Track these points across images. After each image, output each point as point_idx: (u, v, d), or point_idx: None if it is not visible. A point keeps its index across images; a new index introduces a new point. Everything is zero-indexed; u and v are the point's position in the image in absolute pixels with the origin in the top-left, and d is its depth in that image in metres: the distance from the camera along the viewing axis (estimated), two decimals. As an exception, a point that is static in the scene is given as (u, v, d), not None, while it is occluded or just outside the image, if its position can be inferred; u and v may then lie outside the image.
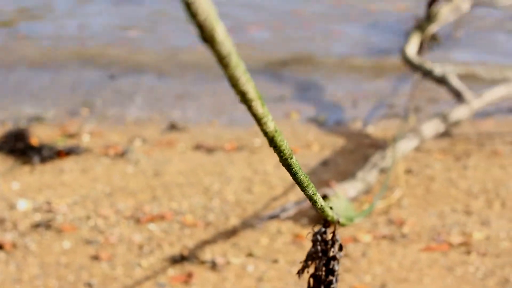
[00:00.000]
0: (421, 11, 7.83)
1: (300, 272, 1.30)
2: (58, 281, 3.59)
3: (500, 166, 4.88)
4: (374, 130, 5.54)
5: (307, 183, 1.21)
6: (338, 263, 1.31)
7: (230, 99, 6.01)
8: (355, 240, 3.95)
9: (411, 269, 3.70)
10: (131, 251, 3.84)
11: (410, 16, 8.06)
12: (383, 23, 8.17)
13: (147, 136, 5.31)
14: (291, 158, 1.07)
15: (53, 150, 4.88)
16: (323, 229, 1.35)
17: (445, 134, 5.27)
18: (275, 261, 3.75)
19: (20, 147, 4.89)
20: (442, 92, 5.98)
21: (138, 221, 4.13)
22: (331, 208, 1.37)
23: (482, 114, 5.74)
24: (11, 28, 7.48)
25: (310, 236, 1.36)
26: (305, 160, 4.91)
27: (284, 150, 1.04)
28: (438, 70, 5.59)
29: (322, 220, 1.36)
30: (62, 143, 5.03)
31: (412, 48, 6.24)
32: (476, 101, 5.26)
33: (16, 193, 4.43)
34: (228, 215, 4.21)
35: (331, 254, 1.30)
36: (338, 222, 1.36)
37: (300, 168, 1.15)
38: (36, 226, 4.05)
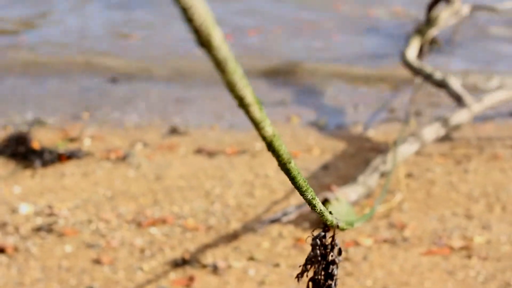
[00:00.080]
0: (417, 14, 7.83)
1: (300, 276, 1.31)
2: (59, 285, 3.60)
3: (501, 169, 4.88)
4: (375, 134, 5.55)
5: (306, 188, 1.21)
6: (337, 267, 1.32)
7: (230, 103, 6.01)
8: (356, 244, 3.96)
9: (412, 273, 3.71)
10: (132, 255, 3.85)
11: (409, 21, 8.07)
12: (381, 28, 8.18)
13: (148, 140, 5.32)
14: (290, 163, 1.07)
15: (55, 154, 4.88)
16: (323, 233, 1.35)
17: (446, 138, 5.27)
18: (277, 265, 3.76)
19: (22, 151, 4.90)
20: (442, 96, 5.99)
21: (139, 225, 4.13)
22: (330, 212, 1.37)
23: (482, 118, 5.75)
24: (12, 35, 7.49)
25: (309, 240, 1.36)
26: (306, 164, 4.92)
27: (282, 154, 1.04)
28: (438, 74, 5.60)
29: (322, 224, 1.37)
30: (63, 147, 5.04)
31: (412, 52, 6.24)
32: (477, 105, 5.26)
33: (17, 197, 4.44)
34: (229, 219, 4.22)
35: (330, 258, 1.31)
36: (338, 226, 1.36)
37: (299, 173, 1.15)
38: (38, 230, 4.06)
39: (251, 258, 3.82)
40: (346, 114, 6.02)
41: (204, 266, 3.74)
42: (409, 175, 4.76)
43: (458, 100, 5.31)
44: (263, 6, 8.58)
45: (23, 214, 4.23)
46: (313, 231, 1.37)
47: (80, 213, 4.25)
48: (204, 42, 0.77)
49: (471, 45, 7.66)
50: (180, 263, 3.76)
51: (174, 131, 5.49)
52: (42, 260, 3.79)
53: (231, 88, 0.85)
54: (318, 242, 1.33)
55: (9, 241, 3.95)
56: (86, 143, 5.23)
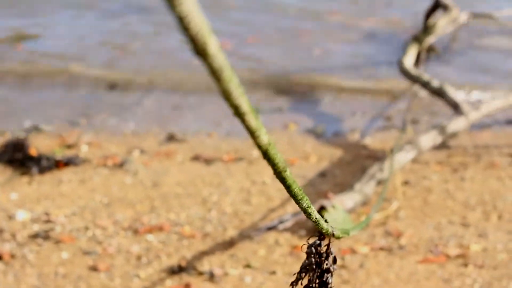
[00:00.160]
0: (413, 24, 7.86)
1: (294, 284, 1.31)
2: (55, 292, 3.60)
3: (497, 178, 4.89)
4: (372, 141, 5.55)
5: (301, 196, 1.21)
6: (331, 275, 1.32)
7: (228, 111, 6.01)
8: (352, 251, 3.96)
9: (409, 280, 3.71)
10: (129, 262, 3.85)
11: (405, 29, 8.09)
12: (377, 37, 8.19)
13: (145, 147, 5.32)
14: (285, 171, 1.08)
15: (52, 160, 4.88)
16: (318, 242, 1.35)
17: (443, 146, 5.28)
18: (273, 273, 3.76)
19: (19, 158, 4.90)
20: (439, 104, 6.00)
21: (136, 232, 4.13)
22: (326, 220, 1.37)
23: (479, 126, 5.76)
24: (9, 45, 7.48)
25: (305, 248, 1.37)
26: (303, 171, 4.92)
27: (278, 163, 1.04)
28: (435, 82, 5.61)
29: (317, 232, 1.37)
30: (60, 154, 5.04)
31: (409, 59, 6.26)
32: (474, 113, 5.27)
33: (14, 203, 4.44)
34: (226, 226, 4.22)
35: (325, 266, 1.31)
36: (333, 234, 1.36)
37: (294, 181, 1.15)
38: (35, 236, 4.06)
39: (248, 266, 3.82)
40: (343, 122, 6.03)
41: (200, 274, 3.74)
42: (405, 183, 4.76)
43: (455, 108, 5.32)
44: (260, 16, 8.59)
45: (19, 220, 4.23)
46: (308, 239, 1.37)
47: (77, 220, 4.25)
48: (200, 50, 0.78)
49: (465, 56, 7.68)
50: (176, 270, 3.76)
51: (171, 138, 5.50)
52: (39, 267, 3.79)
53: (227, 96, 0.85)
54: (313, 250, 1.33)
55: (6, 248, 3.95)
56: (84, 150, 5.23)
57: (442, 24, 7.17)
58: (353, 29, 8.36)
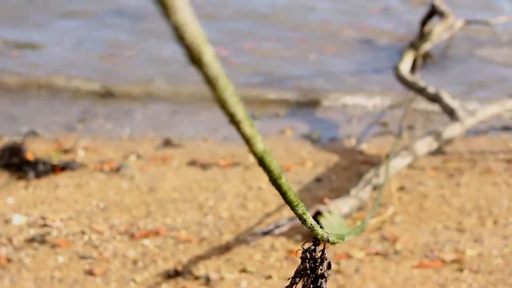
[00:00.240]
0: (407, 31, 7.88)
1: (289, 289, 1.32)
2: (52, 296, 3.60)
3: (493, 183, 4.90)
4: (368, 147, 5.57)
5: (297, 203, 1.22)
6: (326, 281, 1.33)
7: (224, 116, 6.02)
8: (348, 256, 3.97)
9: (404, 285, 3.72)
10: (125, 267, 3.86)
11: (400, 36, 8.11)
12: (373, 44, 8.21)
13: (142, 152, 5.33)
14: (281, 178, 1.09)
15: (48, 165, 4.89)
16: (313, 247, 1.37)
17: (438, 152, 5.30)
18: (269, 277, 3.77)
19: (15, 162, 4.90)
20: (435, 110, 6.02)
21: (132, 236, 4.14)
22: (321, 226, 1.38)
23: (475, 132, 5.77)
24: (5, 57, 7.48)
25: (300, 253, 1.38)
26: (299, 176, 4.94)
27: (273, 170, 1.05)
28: (431, 88, 5.63)
29: (312, 238, 1.38)
30: (57, 158, 5.05)
31: (405, 66, 6.28)
32: (469, 119, 5.29)
33: (11, 208, 4.44)
34: (222, 231, 4.23)
35: (319, 272, 1.32)
36: (328, 240, 1.37)
37: (289, 188, 1.16)
38: (31, 240, 4.07)
39: (244, 270, 3.83)
40: (340, 127, 6.04)
41: (196, 278, 3.75)
42: (401, 188, 4.78)
43: (451, 114, 5.34)
44: (256, 26, 8.60)
45: (16, 225, 4.24)
46: (303, 244, 1.38)
47: (73, 224, 4.26)
48: (195, 59, 0.79)
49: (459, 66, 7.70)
50: (172, 275, 3.77)
51: (167, 143, 5.50)
52: (35, 271, 3.80)
53: (222, 104, 0.86)
54: (308, 255, 1.34)
55: (2, 252, 3.95)
56: (80, 155, 5.23)
57: (438, 30, 7.19)
58: (349, 35, 8.38)
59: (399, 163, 4.77)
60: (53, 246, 4.02)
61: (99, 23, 8.32)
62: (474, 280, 3.76)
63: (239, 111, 0.89)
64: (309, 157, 5.32)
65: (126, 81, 6.81)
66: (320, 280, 1.32)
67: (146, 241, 4.09)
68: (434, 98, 5.54)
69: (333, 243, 1.40)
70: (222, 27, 8.36)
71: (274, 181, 1.08)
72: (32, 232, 4.16)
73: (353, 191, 4.42)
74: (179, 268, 3.82)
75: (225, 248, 4.04)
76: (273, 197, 4.60)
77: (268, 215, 4.42)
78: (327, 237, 1.36)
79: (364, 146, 5.59)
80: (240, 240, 4.13)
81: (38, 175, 4.82)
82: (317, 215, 4.03)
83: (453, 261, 3.93)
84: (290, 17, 8.91)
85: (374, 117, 6.26)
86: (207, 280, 3.72)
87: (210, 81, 0.82)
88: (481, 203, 4.61)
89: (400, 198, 4.64)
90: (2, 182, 4.75)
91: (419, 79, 6.11)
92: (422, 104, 6.31)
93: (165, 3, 0.72)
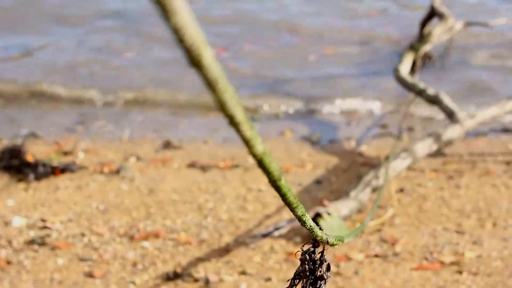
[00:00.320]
0: (405, 33, 7.88)
1: (288, 291, 1.32)
2: (51, 298, 3.60)
3: (492, 185, 4.90)
4: (368, 149, 5.57)
5: (296, 204, 1.22)
6: (325, 282, 1.33)
7: (224, 118, 6.02)
8: (347, 258, 3.97)
9: (403, 287, 3.72)
10: (125, 268, 3.86)
11: (399, 39, 8.12)
12: (372, 46, 8.22)
13: (142, 153, 5.33)
14: (280, 180, 1.09)
15: (48, 167, 4.89)
16: (312, 249, 1.37)
17: (438, 153, 5.30)
18: (268, 279, 3.77)
19: (15, 164, 4.91)
20: (435, 112, 6.02)
21: (132, 238, 4.14)
22: (320, 228, 1.39)
23: (474, 134, 5.78)
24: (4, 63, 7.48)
25: (299, 255, 1.38)
26: (298, 178, 4.94)
27: (273, 172, 1.05)
28: (430, 89, 5.63)
29: (312, 239, 1.38)
30: (57, 160, 5.05)
31: (405, 67, 6.28)
32: (469, 121, 5.29)
33: (11, 210, 4.44)
34: (222, 233, 4.23)
35: (318, 273, 1.33)
36: (328, 242, 1.38)
37: (289, 190, 1.16)
38: (31, 242, 4.07)
39: (243, 272, 3.83)
40: (339, 129, 6.04)
41: (196, 280, 3.75)
42: (401, 190, 4.78)
43: (451, 116, 5.34)
44: (254, 29, 8.61)
45: (16, 227, 4.24)
46: (303, 246, 1.38)
47: (73, 226, 4.26)
48: (195, 62, 0.79)
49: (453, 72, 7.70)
50: (172, 277, 3.77)
51: (167, 145, 5.51)
52: (34, 273, 3.80)
53: (222, 106, 0.86)
54: (307, 257, 1.34)
55: (2, 254, 3.95)
56: (80, 157, 5.24)
57: (438, 32, 7.19)
58: (348, 37, 8.39)
59: (399, 165, 4.77)
60: (53, 248, 4.03)
61: (94, 28, 8.31)
62: (473, 282, 3.77)
63: (239, 112, 0.89)
64: (309, 159, 5.32)
65: (123, 87, 6.77)
66: (319, 282, 1.32)
67: (145, 243, 4.10)
68: (434, 100, 5.55)
69: (333, 245, 1.41)
70: (218, 31, 8.37)
71: (274, 183, 1.08)
72: (32, 234, 4.17)
73: (352, 193, 4.42)
74: (179, 270, 3.82)
75: (225, 250, 4.05)
76: (273, 199, 4.60)
77: (268, 217, 4.42)
78: (327, 238, 1.37)
79: (363, 148, 5.59)
80: (240, 242, 4.13)
81: (38, 177, 4.83)
82: (316, 217, 4.03)
83: (452, 263, 3.94)
84: (289, 20, 8.91)
85: (374, 119, 6.26)
86: (207, 282, 3.72)
87: (209, 83, 0.82)
88: (480, 205, 4.61)
89: (400, 200, 4.65)
90: (2, 184, 4.75)
91: (419, 80, 6.11)
92: (422, 107, 6.31)
93: (165, 6, 0.72)
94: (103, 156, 5.27)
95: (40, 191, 4.69)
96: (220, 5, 9.29)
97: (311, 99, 6.68)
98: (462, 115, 5.32)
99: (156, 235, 4.17)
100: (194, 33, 0.77)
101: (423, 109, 6.33)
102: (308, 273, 1.32)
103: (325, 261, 1.34)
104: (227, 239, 4.16)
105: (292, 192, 1.18)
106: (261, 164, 1.01)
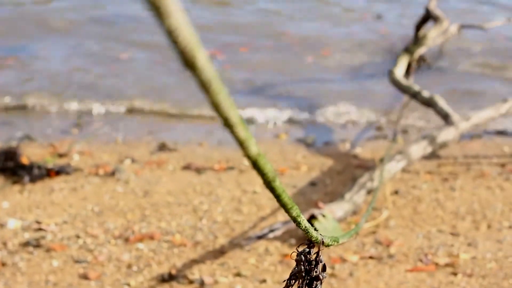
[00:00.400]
0: (400, 34, 7.90)
1: (283, 291, 1.33)
2: (46, 300, 3.60)
3: (487, 187, 4.91)
4: (362, 151, 5.58)
5: (291, 205, 1.23)
6: (321, 283, 1.34)
7: (219, 120, 6.02)
8: (342, 260, 3.98)
9: (398, 289, 3.72)
10: (119, 270, 3.86)
11: (394, 41, 8.14)
12: (368, 48, 8.23)
13: (137, 156, 5.33)
14: (275, 182, 1.09)
15: (43, 169, 4.89)
16: (307, 249, 1.37)
17: (433, 155, 5.31)
18: (263, 281, 3.77)
19: (10, 166, 4.90)
20: (430, 114, 6.03)
21: (127, 240, 4.14)
22: (315, 229, 1.39)
23: (469, 136, 5.79)
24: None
25: (294, 256, 1.38)
26: (293, 180, 4.94)
27: (267, 173, 1.06)
28: (425, 92, 5.64)
29: (307, 240, 1.39)
30: (52, 163, 5.05)
31: (400, 70, 6.29)
32: (463, 123, 5.30)
33: (5, 212, 4.44)
34: (217, 234, 4.23)
35: (314, 274, 1.33)
36: (323, 242, 1.38)
37: (284, 191, 1.17)
38: (25, 244, 4.07)
39: (238, 274, 3.83)
40: (334, 132, 6.05)
41: (190, 282, 3.75)
42: (395, 192, 4.79)
43: (445, 118, 5.35)
44: (248, 36, 8.62)
45: (11, 229, 4.24)
46: (298, 246, 1.39)
47: (68, 228, 4.26)
48: (189, 63, 0.79)
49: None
50: (167, 279, 3.77)
51: (162, 147, 5.51)
52: (29, 275, 3.80)
53: (216, 108, 0.87)
54: (303, 257, 1.35)
55: (-3, 256, 3.95)
56: (75, 159, 5.23)
57: (433, 35, 7.21)
58: (344, 39, 8.40)
59: (394, 167, 4.78)
60: (48, 250, 4.02)
61: (85, 36, 8.29)
62: (468, 284, 3.77)
63: (233, 114, 0.90)
64: (304, 161, 5.33)
65: (116, 96, 6.72)
66: (315, 282, 1.32)
67: (140, 245, 4.10)
68: (429, 102, 5.55)
69: (328, 246, 1.41)
70: (211, 37, 8.38)
71: (268, 184, 1.08)
72: (27, 236, 4.16)
73: (347, 195, 4.43)
74: (174, 272, 3.82)
75: (220, 252, 4.05)
76: (268, 201, 4.61)
77: (263, 219, 4.42)
78: (322, 239, 1.37)
79: (358, 150, 5.60)
80: (235, 244, 4.13)
81: (33, 179, 4.82)
82: (311, 219, 4.04)
83: (447, 265, 3.94)
84: (284, 26, 8.92)
85: (368, 122, 6.27)
86: (201, 284, 3.72)
87: (203, 85, 0.83)
88: (475, 207, 4.62)
89: (394, 202, 4.65)
90: (-4, 186, 4.75)
91: (414, 83, 6.12)
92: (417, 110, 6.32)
93: (159, 8, 0.73)
94: (98, 158, 5.27)
95: (35, 193, 4.68)
96: (211, 12, 9.30)
97: (306, 102, 6.68)
98: (457, 117, 5.33)
99: (151, 237, 4.17)
100: (188, 35, 0.77)
101: (418, 112, 6.34)
102: (304, 274, 1.32)
103: (321, 262, 1.35)
104: (222, 241, 4.16)
105: (287, 194, 1.19)
106: (255, 165, 1.02)
